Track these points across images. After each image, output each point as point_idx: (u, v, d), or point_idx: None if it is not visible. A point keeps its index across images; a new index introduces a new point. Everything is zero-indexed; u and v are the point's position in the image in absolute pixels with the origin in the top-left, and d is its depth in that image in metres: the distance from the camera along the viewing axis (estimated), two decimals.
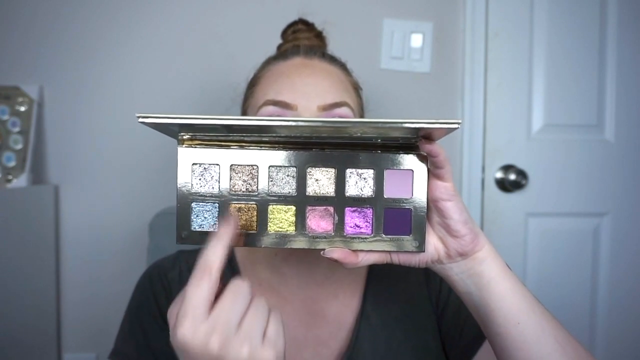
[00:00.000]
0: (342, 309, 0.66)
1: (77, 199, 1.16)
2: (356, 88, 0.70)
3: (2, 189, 1.07)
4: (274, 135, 0.44)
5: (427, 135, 0.42)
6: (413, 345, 0.65)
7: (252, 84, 0.69)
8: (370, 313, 0.65)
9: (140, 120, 0.39)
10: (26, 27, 1.14)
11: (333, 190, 0.46)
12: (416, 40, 1.23)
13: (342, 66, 0.70)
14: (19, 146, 1.10)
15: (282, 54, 0.70)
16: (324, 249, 0.45)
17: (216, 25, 1.19)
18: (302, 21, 0.79)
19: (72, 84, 1.16)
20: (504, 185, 1.26)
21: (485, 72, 1.25)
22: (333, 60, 0.69)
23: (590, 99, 1.27)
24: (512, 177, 1.24)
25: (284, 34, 0.79)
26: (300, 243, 0.46)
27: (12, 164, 1.09)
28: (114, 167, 1.16)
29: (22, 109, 1.11)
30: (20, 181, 1.09)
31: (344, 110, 0.62)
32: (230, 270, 0.69)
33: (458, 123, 0.38)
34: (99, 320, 1.16)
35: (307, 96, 0.61)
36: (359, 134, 0.42)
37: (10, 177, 1.09)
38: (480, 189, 1.26)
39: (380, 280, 0.68)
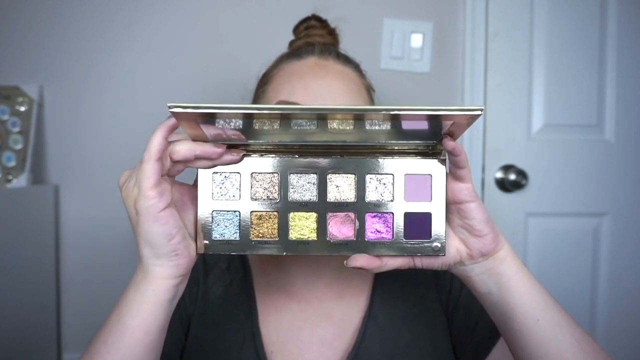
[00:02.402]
0: (348, 309, 0.66)
1: (77, 199, 1.16)
2: (369, 90, 0.69)
3: (2, 189, 1.07)
4: (294, 141, 0.44)
5: (450, 133, 0.42)
6: (421, 345, 0.64)
7: (264, 83, 0.68)
8: (377, 313, 0.65)
9: (171, 110, 0.38)
10: (26, 27, 1.14)
11: (354, 196, 0.46)
12: (416, 40, 1.23)
13: (357, 67, 0.69)
14: (19, 146, 1.10)
15: (296, 52, 0.69)
16: (346, 256, 0.45)
17: (221, 23, 1.18)
18: (315, 17, 0.78)
19: (72, 84, 1.15)
20: (504, 185, 1.26)
21: (485, 72, 1.25)
22: (348, 61, 0.68)
23: (590, 99, 1.27)
24: (512, 177, 1.24)
25: (296, 30, 0.78)
26: (322, 250, 0.46)
27: (12, 164, 1.09)
28: (114, 167, 1.15)
29: (22, 109, 1.11)
30: (20, 181, 1.08)
31: None
32: (242, 267, 0.69)
33: (481, 109, 0.38)
34: (99, 320, 1.15)
35: (321, 98, 0.61)
36: (377, 142, 0.42)
37: (10, 177, 1.09)
38: (480, 189, 1.26)
39: (388, 280, 0.67)
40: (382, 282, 0.67)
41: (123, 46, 1.16)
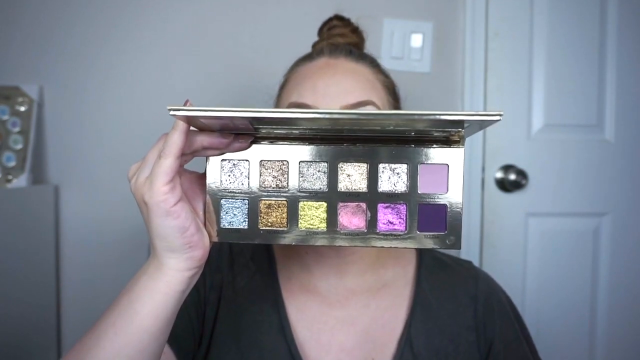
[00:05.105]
0: (373, 321, 0.65)
1: (77, 199, 1.16)
2: (387, 86, 0.68)
3: (2, 189, 1.06)
4: (304, 128, 0.43)
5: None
6: None
7: (281, 86, 0.69)
8: (414, 339, 0.64)
9: (172, 113, 0.38)
10: (27, 27, 1.14)
11: (365, 185, 0.45)
12: (416, 40, 1.23)
13: (372, 63, 0.68)
14: (19, 146, 1.10)
15: (309, 55, 0.70)
16: (357, 247, 0.44)
17: (224, 24, 1.18)
18: (337, 17, 0.78)
19: (72, 84, 1.15)
20: (504, 185, 1.26)
21: (485, 72, 1.25)
22: (361, 57, 0.68)
23: (590, 99, 1.27)
24: (512, 177, 1.24)
25: (320, 31, 0.79)
26: (331, 240, 0.45)
27: (12, 164, 1.09)
28: (114, 167, 1.16)
29: (22, 109, 1.11)
30: (20, 181, 1.08)
31: (368, 109, 0.61)
32: (267, 259, 0.70)
33: (500, 115, 0.36)
34: None
35: (329, 97, 0.61)
36: (391, 127, 0.41)
37: (10, 177, 1.09)
38: (480, 189, 1.26)
39: (428, 307, 0.67)
40: (422, 307, 0.66)
41: (123, 46, 1.16)
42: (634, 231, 1.29)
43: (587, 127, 1.28)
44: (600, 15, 1.26)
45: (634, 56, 1.27)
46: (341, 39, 0.74)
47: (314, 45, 0.77)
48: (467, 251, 1.25)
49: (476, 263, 1.25)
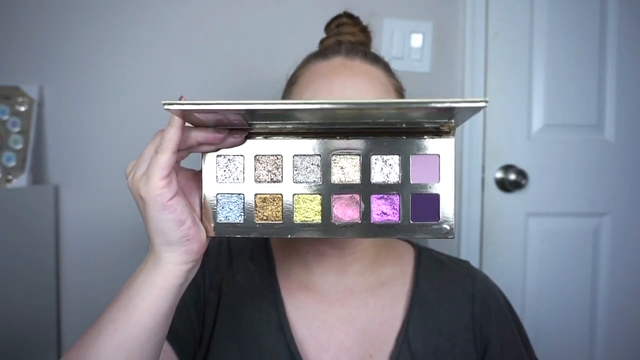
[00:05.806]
0: (371, 319, 0.66)
1: (77, 199, 1.16)
2: (398, 90, 0.67)
3: (2, 189, 1.06)
4: (297, 122, 0.44)
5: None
6: None
7: (291, 83, 0.68)
8: (411, 338, 0.64)
9: (166, 107, 0.39)
10: (26, 27, 1.14)
11: (359, 177, 0.45)
12: (416, 40, 1.23)
13: (385, 66, 0.68)
14: (19, 146, 1.10)
15: (323, 52, 0.68)
16: (351, 239, 0.44)
17: (225, 22, 1.18)
18: (346, 15, 0.77)
19: (72, 84, 1.15)
20: (504, 185, 1.26)
21: (485, 72, 1.25)
22: (376, 60, 0.67)
23: (590, 99, 1.27)
24: (512, 177, 1.24)
25: (328, 28, 0.77)
26: (327, 232, 0.45)
27: (12, 164, 1.09)
28: (114, 167, 1.16)
29: (22, 109, 1.11)
30: (20, 181, 1.08)
31: None
32: (266, 258, 0.69)
33: (485, 102, 0.37)
34: None
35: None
36: (383, 120, 0.42)
37: (10, 177, 1.09)
38: (480, 189, 1.26)
39: (426, 305, 0.67)
40: (420, 305, 0.67)
41: (123, 46, 1.16)
42: (634, 231, 1.29)
43: (587, 127, 1.28)
44: (600, 15, 1.27)
45: (634, 56, 1.27)
46: (350, 37, 0.73)
47: (322, 42, 0.76)
48: (467, 251, 1.25)
49: (476, 263, 1.25)
